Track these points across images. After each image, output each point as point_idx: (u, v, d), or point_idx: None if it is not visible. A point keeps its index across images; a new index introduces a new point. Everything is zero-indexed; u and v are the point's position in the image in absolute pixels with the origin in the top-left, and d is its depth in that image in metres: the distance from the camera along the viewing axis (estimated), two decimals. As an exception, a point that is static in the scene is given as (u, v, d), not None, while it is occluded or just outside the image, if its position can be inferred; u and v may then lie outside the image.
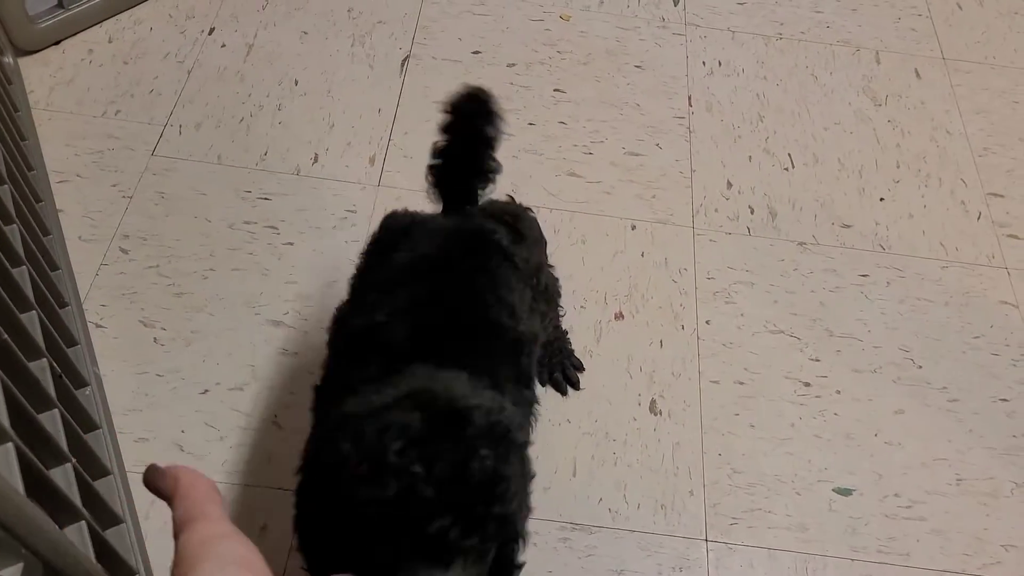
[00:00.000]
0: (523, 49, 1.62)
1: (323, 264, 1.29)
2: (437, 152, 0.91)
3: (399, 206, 0.94)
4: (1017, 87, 1.67)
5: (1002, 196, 1.50)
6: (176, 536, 0.37)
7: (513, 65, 1.59)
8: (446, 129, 0.89)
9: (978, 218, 1.46)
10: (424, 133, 1.41)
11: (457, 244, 0.85)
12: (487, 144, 0.89)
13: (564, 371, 1.20)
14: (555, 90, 1.56)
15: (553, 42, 1.64)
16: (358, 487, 0.52)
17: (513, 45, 1.62)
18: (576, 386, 1.20)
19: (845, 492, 1.15)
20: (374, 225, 0.92)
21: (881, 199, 1.47)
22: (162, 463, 0.40)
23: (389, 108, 1.50)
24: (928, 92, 1.64)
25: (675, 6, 1.74)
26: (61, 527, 0.73)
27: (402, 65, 1.57)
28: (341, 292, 0.91)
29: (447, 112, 0.88)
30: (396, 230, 0.88)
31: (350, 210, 1.35)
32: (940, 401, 1.24)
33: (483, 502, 0.52)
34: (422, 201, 0.95)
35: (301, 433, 0.72)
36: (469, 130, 0.89)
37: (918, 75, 1.67)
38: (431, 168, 0.92)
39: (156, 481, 0.40)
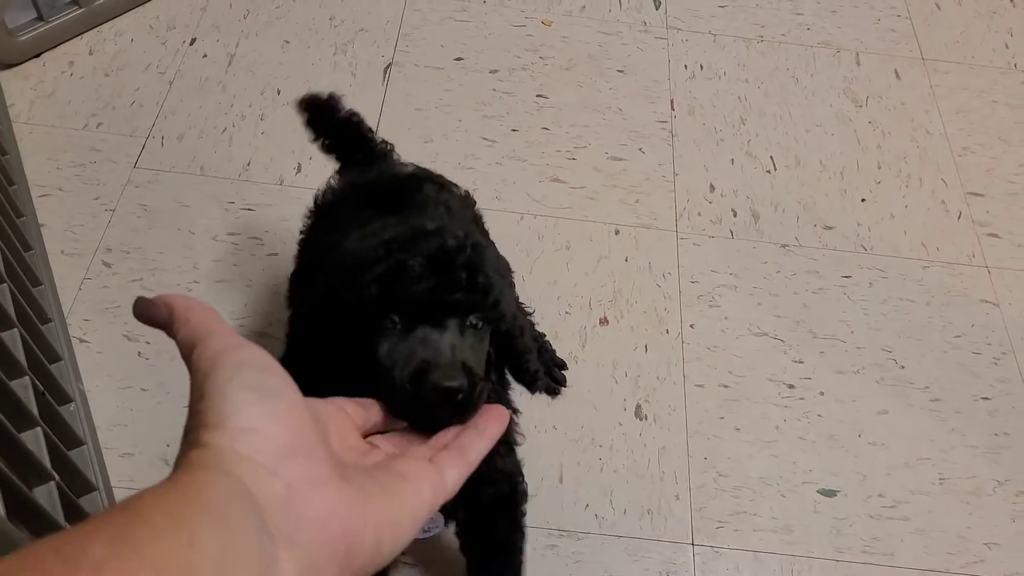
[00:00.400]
0: (505, 55, 1.62)
1: (307, 274, 1.29)
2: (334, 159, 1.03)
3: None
4: (996, 86, 1.68)
5: (982, 195, 1.51)
6: (186, 357, 0.35)
7: (495, 71, 1.59)
8: (317, 137, 1.03)
9: (959, 217, 1.47)
10: (407, 140, 1.41)
11: (395, 177, 0.96)
12: (351, 126, 1.01)
13: (550, 373, 1.21)
14: (538, 96, 1.57)
15: (535, 48, 1.65)
16: (350, 288, 0.61)
17: (495, 51, 1.63)
18: (564, 383, 1.20)
19: (829, 493, 1.15)
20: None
21: (863, 200, 1.48)
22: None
23: (372, 116, 1.50)
24: (908, 93, 1.66)
25: (656, 10, 1.75)
26: (44, 546, 0.73)
27: (384, 73, 1.57)
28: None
29: (311, 132, 1.03)
30: (335, 188, 0.97)
31: (334, 219, 1.35)
32: (923, 401, 1.25)
33: (464, 268, 0.59)
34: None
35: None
36: (329, 123, 1.02)
37: (898, 76, 1.68)
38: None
39: (148, 310, 0.37)
